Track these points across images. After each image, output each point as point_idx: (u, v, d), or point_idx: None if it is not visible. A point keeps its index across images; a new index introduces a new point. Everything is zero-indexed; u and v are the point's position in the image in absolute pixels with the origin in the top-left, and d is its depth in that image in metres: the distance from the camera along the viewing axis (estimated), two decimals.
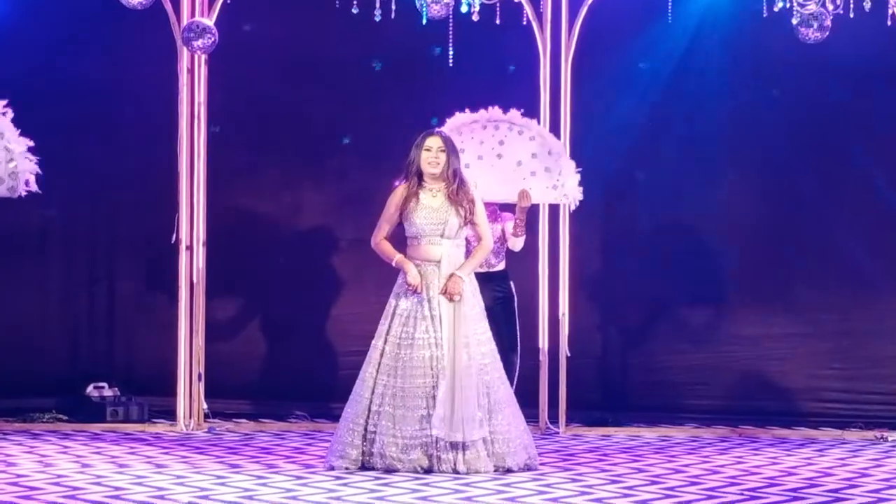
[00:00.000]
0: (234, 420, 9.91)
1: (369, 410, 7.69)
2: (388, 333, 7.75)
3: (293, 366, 10.28)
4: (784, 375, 10.15)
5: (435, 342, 7.68)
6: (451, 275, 7.74)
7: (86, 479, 7.42)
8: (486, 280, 8.90)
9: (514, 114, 9.18)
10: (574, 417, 9.83)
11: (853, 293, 10.08)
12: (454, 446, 7.57)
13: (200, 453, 8.46)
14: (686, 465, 8.17)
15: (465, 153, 9.05)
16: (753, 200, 10.24)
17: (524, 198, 9.07)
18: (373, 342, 7.83)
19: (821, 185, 10.12)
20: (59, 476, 7.50)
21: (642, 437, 9.51)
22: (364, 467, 7.68)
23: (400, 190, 7.84)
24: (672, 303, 10.27)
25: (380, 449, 7.62)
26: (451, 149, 7.82)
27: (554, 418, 9.74)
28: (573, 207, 9.47)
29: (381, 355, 7.74)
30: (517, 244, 9.20)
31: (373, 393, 7.70)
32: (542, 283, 9.81)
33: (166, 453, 8.43)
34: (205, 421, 9.74)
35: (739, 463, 8.30)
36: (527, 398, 9.70)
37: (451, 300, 7.70)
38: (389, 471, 7.59)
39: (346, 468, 7.67)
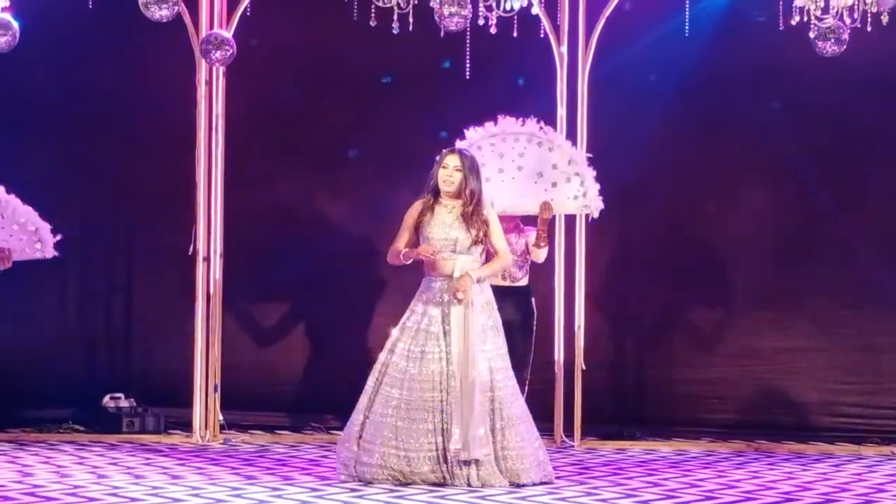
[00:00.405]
0: (250, 431, 9.92)
1: (365, 418, 7.69)
2: (396, 346, 7.75)
3: (309, 377, 10.29)
4: (800, 390, 10.13)
5: (445, 357, 7.65)
6: (464, 273, 7.69)
7: (102, 489, 7.44)
8: (509, 294, 8.89)
9: (532, 125, 9.09)
10: (589, 431, 9.82)
11: (871, 307, 10.05)
12: (467, 462, 7.56)
13: (216, 465, 8.47)
14: (701, 480, 8.15)
15: (486, 166, 8.95)
16: (770, 213, 10.23)
17: (546, 209, 9.01)
18: (380, 355, 7.83)
19: (838, 198, 10.11)
20: (76, 487, 7.51)
21: (658, 451, 9.50)
22: (359, 478, 7.67)
23: (417, 204, 7.86)
24: (688, 316, 10.25)
25: (379, 460, 7.60)
26: (469, 168, 7.79)
27: (569, 432, 9.73)
28: (595, 216, 9.39)
29: (386, 367, 7.72)
30: (540, 255, 9.15)
31: (372, 402, 7.70)
32: (557, 296, 9.81)
33: (182, 464, 8.45)
34: (220, 432, 9.75)
35: (755, 478, 8.28)
36: (542, 411, 9.71)
37: (455, 297, 7.61)
38: (398, 483, 7.57)
39: (343, 478, 7.70)
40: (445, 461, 7.56)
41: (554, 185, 9.07)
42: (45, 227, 8.51)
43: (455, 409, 7.56)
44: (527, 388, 9.12)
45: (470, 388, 7.58)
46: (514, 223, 9.13)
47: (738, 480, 8.16)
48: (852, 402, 10.07)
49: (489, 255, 8.03)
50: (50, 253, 8.58)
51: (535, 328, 9.22)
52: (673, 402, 10.17)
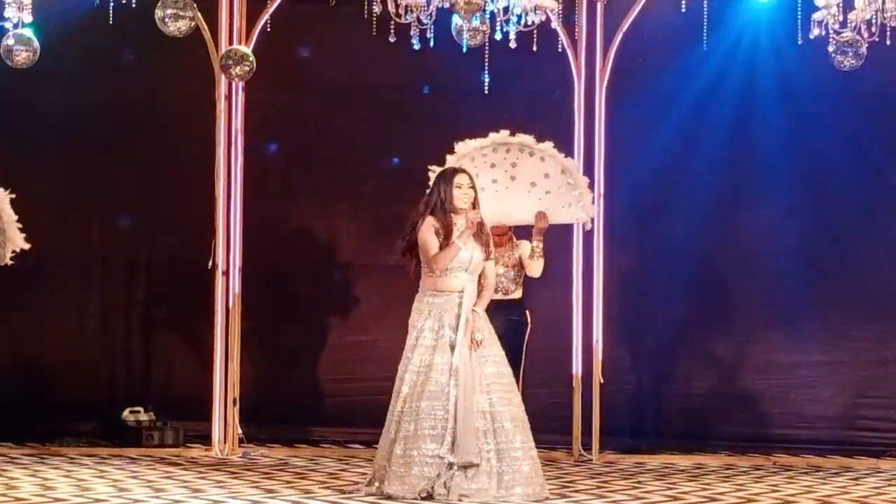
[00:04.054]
0: (269, 445, 9.95)
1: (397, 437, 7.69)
2: (410, 363, 7.73)
3: (327, 391, 10.32)
4: (818, 403, 10.12)
5: (449, 369, 7.63)
6: (474, 313, 7.72)
7: (123, 503, 7.46)
8: (501, 307, 8.81)
9: (525, 137, 9.01)
10: (608, 444, 9.82)
11: (888, 321, 10.05)
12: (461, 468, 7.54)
13: (236, 478, 8.49)
14: (721, 494, 8.15)
15: (479, 178, 8.83)
16: (789, 227, 10.23)
17: (541, 219, 8.90)
18: (398, 374, 7.81)
19: (857, 211, 10.11)
20: (97, 500, 7.53)
21: (676, 465, 9.49)
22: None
23: (430, 221, 7.76)
24: (706, 329, 10.26)
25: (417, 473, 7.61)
26: (475, 184, 7.86)
27: (587, 445, 9.74)
28: (588, 227, 9.36)
29: (405, 384, 7.72)
30: (536, 269, 8.98)
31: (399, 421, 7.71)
32: (575, 310, 9.82)
33: (202, 478, 8.47)
34: (239, 446, 9.78)
35: (774, 491, 8.27)
36: (560, 425, 9.74)
37: (475, 342, 7.68)
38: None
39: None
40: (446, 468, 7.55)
41: (548, 192, 8.98)
42: (15, 230, 8.73)
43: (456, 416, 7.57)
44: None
45: (467, 398, 7.61)
46: (508, 236, 9.05)
47: (757, 494, 8.15)
48: (871, 416, 10.06)
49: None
50: (6, 261, 8.87)
51: (526, 340, 9.01)
52: (691, 416, 10.17)
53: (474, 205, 7.78)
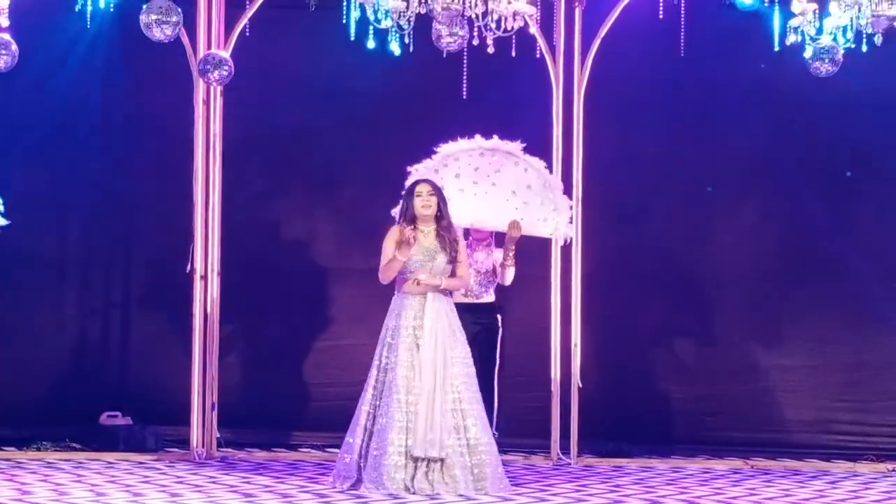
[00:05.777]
0: (247, 449, 9.94)
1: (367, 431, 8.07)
2: (378, 359, 8.17)
3: (305, 396, 10.32)
4: (795, 407, 10.17)
5: (416, 365, 8.03)
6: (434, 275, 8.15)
7: None
8: (471, 310, 8.89)
9: (515, 146, 9.06)
10: (586, 448, 9.85)
11: (865, 325, 10.10)
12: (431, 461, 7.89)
13: (214, 482, 8.49)
14: (699, 497, 8.18)
15: (461, 178, 9.00)
16: (766, 232, 10.28)
17: (514, 228, 8.94)
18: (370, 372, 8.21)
19: (833, 216, 10.17)
20: None
21: (654, 469, 9.52)
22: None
23: (394, 229, 8.25)
24: (684, 334, 10.29)
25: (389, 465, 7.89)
26: (439, 192, 8.29)
27: (566, 449, 9.76)
28: (562, 244, 9.43)
29: (375, 381, 8.14)
30: (508, 276, 9.07)
31: (369, 416, 8.11)
32: (554, 314, 9.84)
33: (180, 482, 8.46)
34: (218, 450, 9.77)
35: (752, 495, 8.31)
36: (539, 428, 9.76)
37: (416, 279, 8.06)
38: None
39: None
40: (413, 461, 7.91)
41: (525, 203, 9.04)
42: None
43: (420, 411, 7.91)
44: (496, 402, 9.01)
45: (435, 391, 7.97)
46: (487, 241, 9.11)
47: (735, 498, 8.19)
48: (847, 420, 10.12)
49: (453, 274, 8.31)
50: None
51: (498, 343, 9.10)
52: (669, 420, 10.20)
53: (438, 213, 8.17)
